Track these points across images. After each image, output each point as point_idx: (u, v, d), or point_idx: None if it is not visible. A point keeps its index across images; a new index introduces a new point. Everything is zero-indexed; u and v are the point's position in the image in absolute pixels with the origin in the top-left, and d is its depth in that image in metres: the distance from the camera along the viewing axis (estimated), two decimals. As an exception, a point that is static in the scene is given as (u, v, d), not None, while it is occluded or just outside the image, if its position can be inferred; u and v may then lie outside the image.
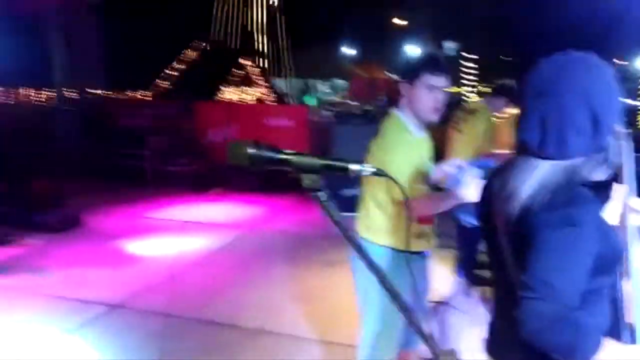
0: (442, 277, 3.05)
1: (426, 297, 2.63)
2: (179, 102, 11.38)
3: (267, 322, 3.62)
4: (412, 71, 2.30)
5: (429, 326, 2.71)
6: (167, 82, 17.30)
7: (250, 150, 0.95)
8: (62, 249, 5.19)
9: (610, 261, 1.29)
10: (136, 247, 5.31)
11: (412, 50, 29.90)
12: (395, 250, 2.36)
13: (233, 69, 18.53)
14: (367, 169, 1.01)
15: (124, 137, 9.00)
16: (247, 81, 19.22)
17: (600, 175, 1.29)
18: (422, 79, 2.25)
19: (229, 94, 17.88)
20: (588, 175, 1.26)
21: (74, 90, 10.78)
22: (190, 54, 18.68)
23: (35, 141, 8.51)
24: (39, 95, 9.94)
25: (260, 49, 28.25)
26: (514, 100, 3.86)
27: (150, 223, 6.28)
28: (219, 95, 17.38)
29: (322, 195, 0.96)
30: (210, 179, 8.37)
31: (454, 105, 4.20)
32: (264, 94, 19.12)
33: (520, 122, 1.30)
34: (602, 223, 1.26)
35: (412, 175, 2.25)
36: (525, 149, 1.30)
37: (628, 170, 1.59)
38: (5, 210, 5.97)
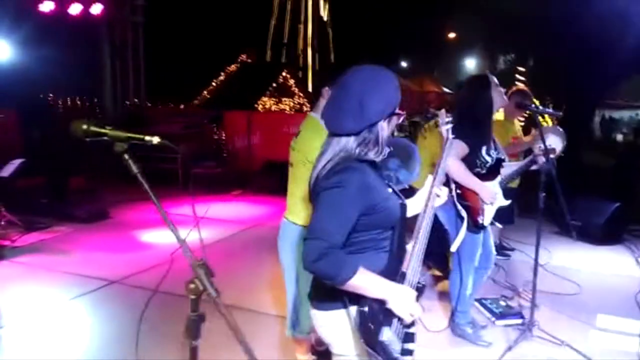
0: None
1: None
2: (210, 112, 12.19)
3: (239, 300, 4.12)
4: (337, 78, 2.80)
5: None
6: (206, 94, 18.30)
7: (84, 126, 1.45)
8: (85, 236, 5.91)
9: (381, 220, 1.70)
10: (149, 236, 5.95)
11: (469, 63, 29.77)
12: None
13: (273, 81, 19.24)
14: (155, 139, 1.49)
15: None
16: (287, 92, 19.85)
17: (374, 154, 1.70)
18: None
19: (267, 104, 18.50)
20: (362, 151, 1.68)
21: (118, 100, 11.82)
22: (232, 68, 19.65)
23: (78, 144, 9.41)
24: (86, 104, 11.04)
25: (306, 62, 28.88)
26: None
27: (169, 218, 6.92)
28: (259, 105, 18.06)
29: (125, 156, 1.45)
30: (233, 181, 9.08)
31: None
32: (300, 104, 19.66)
33: (324, 108, 1.76)
34: (369, 189, 1.66)
35: None
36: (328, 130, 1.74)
37: (442, 165, 2.01)
38: (43, 202, 6.81)
